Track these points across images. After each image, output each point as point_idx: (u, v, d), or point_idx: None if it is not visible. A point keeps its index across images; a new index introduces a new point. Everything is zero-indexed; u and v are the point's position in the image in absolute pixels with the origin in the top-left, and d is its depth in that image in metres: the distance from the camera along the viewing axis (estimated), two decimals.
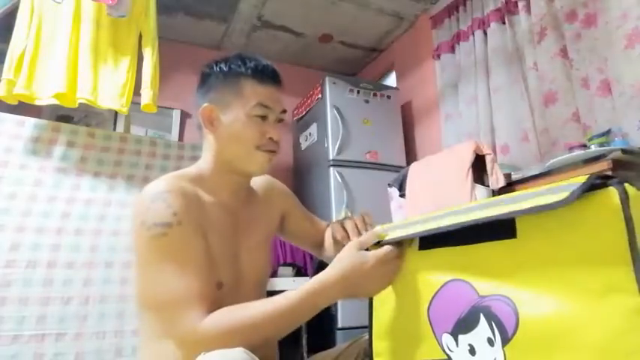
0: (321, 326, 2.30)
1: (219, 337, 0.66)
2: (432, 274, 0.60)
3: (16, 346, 1.39)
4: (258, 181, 1.00)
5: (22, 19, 1.66)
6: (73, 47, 1.69)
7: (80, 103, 1.67)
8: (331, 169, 2.51)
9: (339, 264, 0.68)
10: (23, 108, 1.69)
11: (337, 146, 2.54)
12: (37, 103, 1.62)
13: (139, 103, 1.77)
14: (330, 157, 2.54)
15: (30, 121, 1.73)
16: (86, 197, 1.71)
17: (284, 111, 0.89)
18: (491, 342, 0.50)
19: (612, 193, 0.48)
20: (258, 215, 0.94)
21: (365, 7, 2.80)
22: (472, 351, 0.51)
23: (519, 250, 0.52)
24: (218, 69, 0.87)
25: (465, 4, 2.53)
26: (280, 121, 0.88)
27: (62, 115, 2.45)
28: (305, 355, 2.09)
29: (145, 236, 0.74)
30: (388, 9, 2.85)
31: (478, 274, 0.54)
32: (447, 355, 0.54)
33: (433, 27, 2.77)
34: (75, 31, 1.71)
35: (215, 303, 0.70)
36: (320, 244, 1.06)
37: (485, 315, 0.51)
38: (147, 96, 1.76)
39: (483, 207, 0.56)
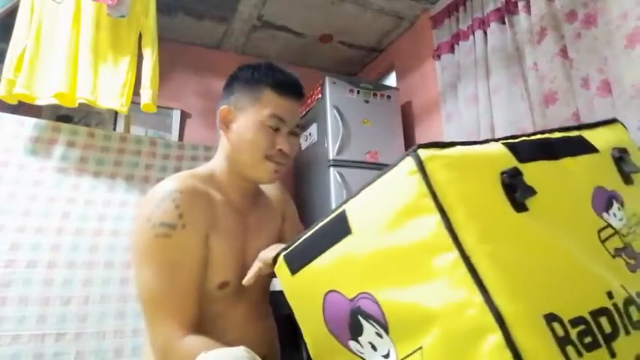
0: None
1: None
2: (311, 294, 0.61)
3: (16, 346, 1.39)
4: (269, 185, 1.02)
5: (22, 18, 1.66)
6: (73, 47, 1.69)
7: (80, 103, 1.67)
8: (331, 169, 2.51)
9: None
10: (23, 108, 1.69)
11: (337, 146, 2.54)
12: (37, 102, 1.62)
13: (139, 103, 1.77)
14: (330, 157, 2.54)
15: (30, 121, 1.73)
16: (86, 197, 1.71)
17: (299, 126, 0.91)
18: (379, 335, 0.52)
19: (408, 162, 0.51)
20: (266, 218, 0.96)
21: (365, 7, 2.80)
22: (374, 347, 0.53)
23: (355, 245, 0.54)
24: (244, 73, 0.89)
25: (464, 4, 2.53)
26: (294, 135, 0.90)
27: (62, 115, 2.45)
28: (305, 358, 2.09)
29: (148, 233, 0.75)
30: (388, 9, 2.85)
31: (338, 280, 0.56)
32: (361, 356, 0.55)
33: (433, 27, 2.77)
34: (75, 30, 1.71)
35: (195, 316, 0.74)
36: None
37: (361, 315, 0.53)
38: (146, 95, 1.75)
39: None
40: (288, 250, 0.66)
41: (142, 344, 1.54)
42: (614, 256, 0.54)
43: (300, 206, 3.17)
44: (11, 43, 1.63)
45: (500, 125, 2.17)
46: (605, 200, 0.57)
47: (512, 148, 0.55)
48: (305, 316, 0.65)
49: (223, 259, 0.82)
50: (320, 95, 2.73)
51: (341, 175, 2.48)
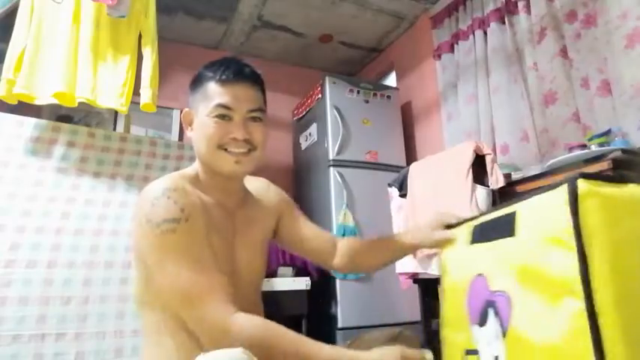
0: (321, 326, 2.30)
1: (250, 342, 0.67)
2: (469, 268, 0.65)
3: (16, 346, 1.39)
4: (254, 184, 1.02)
5: (21, 18, 1.66)
6: (73, 47, 1.69)
7: (80, 103, 1.67)
8: (331, 169, 2.51)
9: (380, 355, 0.70)
10: (23, 108, 1.69)
11: (337, 146, 2.54)
12: (37, 102, 1.62)
13: (139, 103, 1.77)
14: (330, 157, 2.54)
15: (30, 121, 1.73)
16: (86, 197, 1.71)
17: (258, 109, 0.87)
18: (497, 336, 0.54)
19: (562, 189, 0.49)
20: (254, 216, 0.96)
21: (365, 7, 2.80)
22: (488, 343, 0.56)
23: (515, 247, 0.56)
24: (195, 75, 0.90)
25: (464, 4, 2.53)
26: (253, 120, 0.86)
27: (62, 115, 2.45)
28: None
29: (153, 234, 0.75)
30: (388, 9, 2.85)
31: (491, 270, 0.59)
32: (475, 346, 0.58)
33: (433, 27, 2.77)
34: (74, 30, 1.71)
35: (232, 293, 0.75)
36: (323, 253, 1.05)
37: (493, 309, 0.56)
38: (146, 95, 1.75)
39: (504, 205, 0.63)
40: (479, 222, 0.68)
41: (141, 344, 1.54)
42: None
43: (300, 206, 3.15)
44: (11, 43, 1.62)
45: (501, 125, 2.17)
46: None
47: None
48: (452, 284, 0.69)
49: (217, 254, 0.82)
50: (320, 95, 2.73)
51: (341, 175, 2.48)
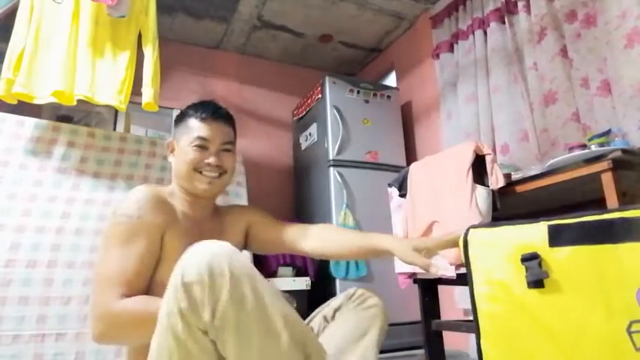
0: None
1: (132, 316, 0.79)
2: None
3: (16, 346, 1.39)
4: (225, 208, 1.19)
5: (21, 18, 1.66)
6: (72, 46, 1.69)
7: (80, 103, 1.67)
8: (331, 169, 2.51)
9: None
10: (23, 108, 1.69)
11: (337, 146, 2.54)
12: (36, 101, 1.62)
13: (139, 103, 1.77)
14: (330, 157, 2.54)
15: (30, 121, 1.73)
16: (86, 197, 1.71)
17: (229, 142, 1.06)
18: None
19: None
20: (223, 227, 1.10)
21: (365, 7, 2.80)
22: None
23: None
24: (180, 113, 1.09)
25: (464, 4, 2.53)
26: (226, 151, 1.05)
27: (62, 115, 2.45)
28: None
29: (111, 222, 0.91)
30: (388, 9, 2.85)
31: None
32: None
33: (433, 27, 2.77)
34: (74, 30, 1.71)
35: (141, 293, 0.84)
36: (294, 241, 1.13)
37: None
38: (148, 94, 1.75)
39: None
40: (559, 223, 0.70)
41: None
42: (637, 349, 0.57)
43: (301, 206, 3.18)
44: (11, 42, 1.62)
45: (500, 125, 2.17)
46: None
47: (552, 230, 0.67)
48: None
49: (178, 252, 0.84)
50: (320, 95, 2.73)
51: (341, 175, 2.48)
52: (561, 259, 0.65)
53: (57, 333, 1.46)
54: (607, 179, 1.21)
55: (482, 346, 0.71)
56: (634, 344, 0.57)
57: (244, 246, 1.18)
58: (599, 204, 1.26)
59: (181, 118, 1.07)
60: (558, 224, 0.67)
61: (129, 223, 0.89)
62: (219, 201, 1.20)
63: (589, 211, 0.65)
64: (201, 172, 1.01)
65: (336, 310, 1.01)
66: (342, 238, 1.10)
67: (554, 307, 0.65)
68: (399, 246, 0.97)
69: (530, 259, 0.67)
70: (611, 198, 1.19)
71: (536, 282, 0.66)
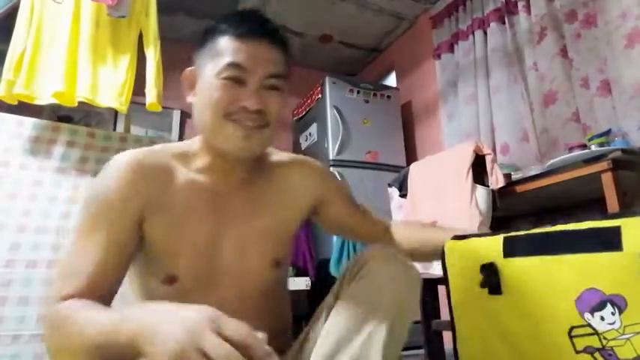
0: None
1: (51, 329, 0.59)
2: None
3: (16, 346, 1.39)
4: (284, 160, 0.85)
5: (22, 19, 1.66)
6: (73, 46, 1.69)
7: (80, 103, 1.67)
8: (331, 169, 2.51)
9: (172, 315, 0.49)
10: (23, 108, 1.69)
11: (337, 146, 2.54)
12: (37, 102, 1.62)
13: (140, 103, 1.77)
14: (330, 157, 2.54)
15: (30, 121, 1.73)
16: None
17: (276, 75, 0.71)
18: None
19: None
20: (261, 205, 0.77)
21: (365, 7, 2.80)
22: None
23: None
24: (206, 28, 0.74)
25: (464, 4, 2.53)
26: (271, 88, 0.70)
27: (62, 115, 2.46)
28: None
29: (82, 203, 0.71)
30: (388, 9, 2.85)
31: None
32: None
33: (433, 27, 2.77)
34: (74, 30, 1.71)
35: (102, 293, 0.62)
36: (369, 238, 0.90)
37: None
38: (151, 95, 1.76)
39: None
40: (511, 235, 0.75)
41: None
42: (577, 352, 0.63)
43: None
44: (11, 43, 1.62)
45: (500, 125, 2.17)
46: (594, 302, 0.62)
47: (506, 242, 0.73)
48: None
49: (172, 247, 0.69)
50: (320, 95, 2.73)
51: (341, 175, 2.48)
52: (513, 268, 0.71)
53: None
54: (607, 179, 1.21)
55: (457, 348, 0.78)
56: (574, 347, 0.64)
57: (305, 220, 0.87)
58: (599, 204, 1.26)
59: (208, 33, 0.72)
60: (511, 236, 0.73)
61: (93, 205, 0.67)
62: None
63: (544, 223, 0.72)
64: (234, 121, 0.68)
65: (336, 296, 0.71)
66: (426, 239, 0.86)
67: (509, 313, 0.71)
68: None
69: (488, 268, 0.73)
70: (611, 198, 1.19)
71: (493, 289, 0.72)
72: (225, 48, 0.68)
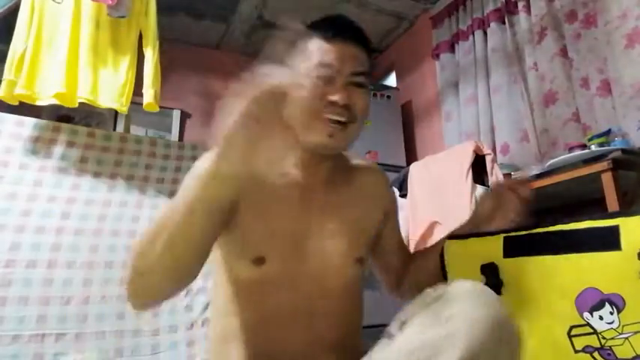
0: None
1: (147, 241, 0.61)
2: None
3: (16, 346, 1.39)
4: (361, 164, 0.90)
5: (22, 19, 1.66)
6: (73, 47, 1.69)
7: (80, 103, 1.67)
8: None
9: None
10: (23, 108, 1.69)
11: None
12: (38, 103, 1.62)
13: (139, 103, 1.77)
14: None
15: (30, 121, 1.73)
16: (86, 197, 1.71)
17: (362, 73, 0.75)
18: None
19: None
20: (344, 201, 0.80)
21: (365, 7, 2.80)
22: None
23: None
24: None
25: (464, 4, 2.53)
26: (357, 85, 0.74)
27: (62, 115, 2.45)
28: None
29: (187, 176, 0.71)
30: (388, 9, 2.85)
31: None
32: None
33: (433, 27, 2.77)
34: (75, 31, 1.71)
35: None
36: (394, 279, 0.91)
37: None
38: (149, 95, 1.76)
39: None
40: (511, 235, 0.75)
41: (142, 344, 1.54)
42: (576, 351, 0.63)
43: None
44: (12, 44, 1.62)
45: (500, 125, 2.17)
46: (593, 301, 0.63)
47: (507, 242, 0.73)
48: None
49: (262, 229, 0.72)
50: None
51: None
52: (513, 268, 0.71)
53: (57, 333, 1.46)
54: (607, 179, 1.21)
55: None
56: (573, 347, 0.64)
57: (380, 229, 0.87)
58: (599, 204, 1.26)
59: (300, 40, 0.79)
60: (511, 236, 0.73)
61: (198, 171, 0.66)
62: None
63: (543, 223, 0.71)
64: (321, 117, 0.72)
65: (403, 323, 0.57)
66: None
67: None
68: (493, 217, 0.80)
69: (488, 268, 0.73)
70: (611, 198, 1.19)
71: (493, 289, 0.70)
72: (314, 49, 0.74)
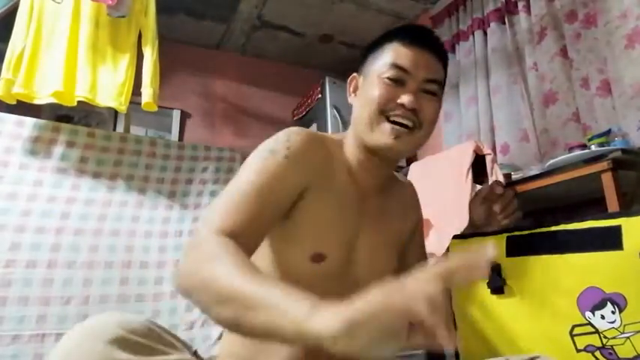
0: None
1: (199, 256, 0.55)
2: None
3: (16, 346, 1.39)
4: (403, 179, 0.93)
5: (21, 18, 1.66)
6: (72, 46, 1.69)
7: (80, 103, 1.67)
8: None
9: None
10: (23, 108, 1.69)
11: None
12: (36, 102, 1.62)
13: (139, 103, 1.77)
14: None
15: (30, 121, 1.73)
16: (86, 197, 1.71)
17: (435, 81, 0.75)
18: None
19: None
20: (390, 212, 0.82)
21: (365, 7, 2.80)
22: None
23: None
24: (374, 40, 0.81)
25: (464, 4, 2.53)
26: (428, 93, 0.75)
27: (62, 115, 2.45)
28: None
29: (253, 156, 0.69)
30: (388, 9, 2.85)
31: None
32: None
33: (433, 27, 2.77)
34: (74, 30, 1.71)
35: (249, 238, 0.60)
36: None
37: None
38: (147, 94, 1.76)
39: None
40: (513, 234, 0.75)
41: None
42: (578, 351, 0.63)
43: None
44: (10, 42, 1.62)
45: (500, 125, 2.17)
46: (595, 301, 0.63)
47: (509, 241, 0.74)
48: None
49: (323, 226, 0.70)
50: (320, 95, 2.73)
51: None
52: (516, 268, 0.72)
53: (57, 333, 1.46)
54: (607, 179, 1.21)
55: (459, 347, 0.79)
56: (575, 346, 0.64)
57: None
58: (600, 204, 1.26)
59: (377, 42, 0.79)
60: (514, 236, 0.74)
61: (270, 159, 0.67)
62: None
63: (546, 223, 0.72)
64: (388, 118, 0.72)
65: None
66: None
67: (511, 311, 0.72)
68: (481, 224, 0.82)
69: (491, 267, 0.72)
70: (611, 198, 1.19)
71: (496, 289, 0.73)
72: (391, 51, 0.74)
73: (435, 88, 0.76)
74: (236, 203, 0.62)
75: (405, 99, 0.71)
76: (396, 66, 0.73)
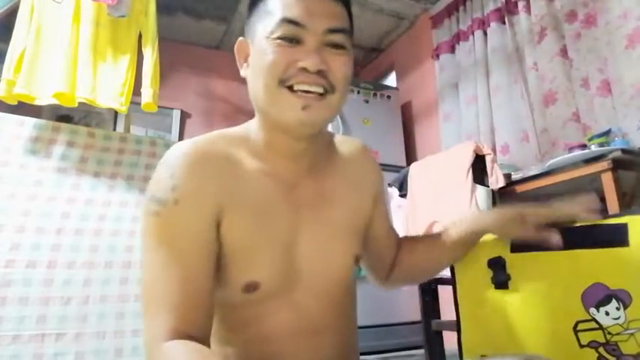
0: None
1: None
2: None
3: (16, 346, 1.39)
4: (347, 146, 0.75)
5: (21, 18, 1.66)
6: (73, 47, 1.69)
7: (80, 103, 1.67)
8: None
9: None
10: (23, 108, 1.69)
11: None
12: (37, 103, 1.62)
13: (139, 103, 1.77)
14: None
15: (30, 121, 1.73)
16: (86, 197, 1.71)
17: (340, 30, 0.59)
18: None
19: None
20: (334, 193, 0.68)
21: (365, 7, 2.80)
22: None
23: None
24: None
25: (464, 4, 2.53)
26: (333, 46, 0.59)
27: (62, 115, 2.45)
28: None
29: (144, 209, 0.58)
30: (388, 9, 2.85)
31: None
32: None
33: (433, 27, 2.77)
34: (74, 30, 1.71)
35: (197, 316, 0.55)
36: (383, 268, 0.80)
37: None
38: (147, 95, 1.76)
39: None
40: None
41: (142, 344, 1.54)
42: (582, 346, 0.63)
43: None
44: (11, 43, 1.62)
45: (500, 125, 2.17)
46: (600, 297, 0.63)
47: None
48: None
49: (248, 249, 0.59)
50: None
51: None
52: (520, 263, 0.72)
53: (57, 333, 1.46)
54: (607, 179, 1.21)
55: (462, 343, 0.78)
56: (579, 341, 0.64)
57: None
58: (599, 204, 1.26)
59: None
60: None
61: (163, 214, 0.56)
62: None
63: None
64: (291, 87, 0.57)
65: None
66: (427, 252, 0.77)
67: (515, 306, 0.71)
68: (499, 224, 0.71)
69: (495, 263, 0.73)
70: (611, 198, 1.19)
71: (500, 284, 0.73)
72: (277, 4, 0.58)
73: (341, 39, 0.59)
74: (163, 297, 0.54)
75: (307, 61, 0.56)
76: (286, 20, 0.57)
